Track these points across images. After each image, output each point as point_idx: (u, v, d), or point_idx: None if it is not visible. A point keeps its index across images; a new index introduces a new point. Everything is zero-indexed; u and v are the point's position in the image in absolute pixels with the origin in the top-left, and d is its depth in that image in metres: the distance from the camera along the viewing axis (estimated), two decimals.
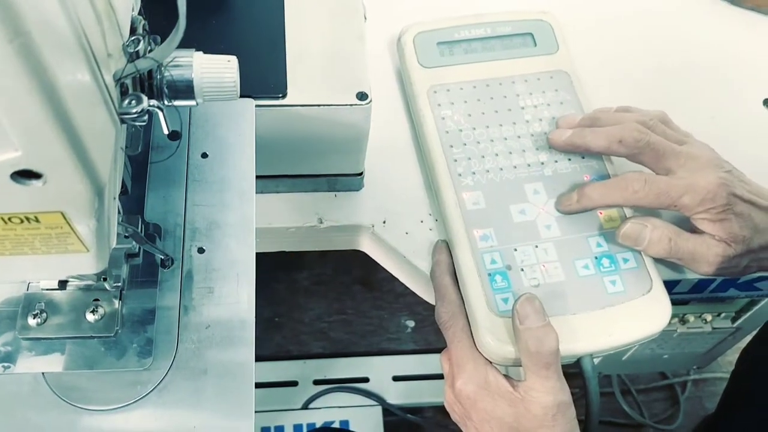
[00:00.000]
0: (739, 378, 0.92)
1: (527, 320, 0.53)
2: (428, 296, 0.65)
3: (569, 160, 0.63)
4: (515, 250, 0.59)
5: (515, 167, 0.62)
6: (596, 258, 0.59)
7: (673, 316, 0.75)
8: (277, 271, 1.39)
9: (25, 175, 0.30)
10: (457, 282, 0.59)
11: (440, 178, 0.62)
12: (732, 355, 0.97)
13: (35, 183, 0.30)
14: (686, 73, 0.76)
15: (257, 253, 0.50)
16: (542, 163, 0.63)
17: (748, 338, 0.89)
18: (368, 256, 0.68)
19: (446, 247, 0.61)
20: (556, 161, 0.63)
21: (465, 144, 0.63)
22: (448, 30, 0.68)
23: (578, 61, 0.69)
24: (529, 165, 0.63)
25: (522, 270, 0.58)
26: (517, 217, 0.60)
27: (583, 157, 0.63)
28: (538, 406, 0.52)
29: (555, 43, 0.69)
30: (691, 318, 0.79)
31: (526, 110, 0.65)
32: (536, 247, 0.59)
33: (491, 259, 0.58)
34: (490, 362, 0.56)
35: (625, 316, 0.56)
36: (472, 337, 0.56)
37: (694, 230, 0.58)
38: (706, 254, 0.57)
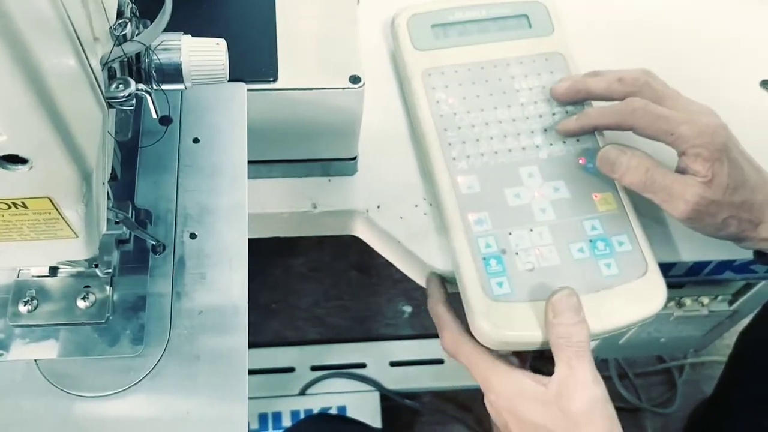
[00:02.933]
0: (737, 362, 0.93)
1: (561, 316, 0.53)
2: (422, 280, 0.64)
3: (564, 143, 0.63)
4: (510, 233, 0.58)
5: (510, 150, 0.62)
6: (591, 241, 0.58)
7: (670, 299, 0.75)
8: (273, 258, 1.39)
9: (10, 159, 0.30)
10: (451, 308, 0.59)
11: (435, 162, 0.62)
12: (729, 339, 0.97)
13: (21, 168, 0.30)
14: (683, 54, 0.75)
15: (252, 239, 0.50)
16: (537, 147, 0.62)
17: (745, 321, 0.89)
18: (365, 241, 0.68)
19: (437, 278, 0.61)
20: (551, 144, 0.62)
21: (459, 127, 0.63)
22: (443, 12, 0.68)
23: (574, 42, 0.68)
24: (523, 148, 0.62)
25: (517, 254, 0.58)
26: (512, 200, 0.60)
27: (578, 140, 0.63)
28: (569, 403, 0.52)
29: (550, 24, 0.68)
30: (688, 301, 0.79)
31: (521, 93, 0.65)
32: (531, 230, 0.59)
33: (486, 243, 0.58)
34: (514, 365, 0.56)
35: (621, 299, 0.56)
36: (477, 338, 0.56)
37: (678, 171, 0.57)
38: (683, 192, 0.55)
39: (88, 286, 0.44)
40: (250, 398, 0.45)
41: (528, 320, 0.55)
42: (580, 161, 0.62)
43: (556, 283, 0.56)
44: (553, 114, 0.64)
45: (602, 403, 0.52)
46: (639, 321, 0.57)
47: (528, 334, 0.55)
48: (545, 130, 0.63)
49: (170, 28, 0.38)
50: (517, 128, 0.63)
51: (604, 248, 0.58)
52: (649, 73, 0.59)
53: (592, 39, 0.74)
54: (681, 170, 0.57)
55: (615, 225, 0.59)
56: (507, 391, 0.55)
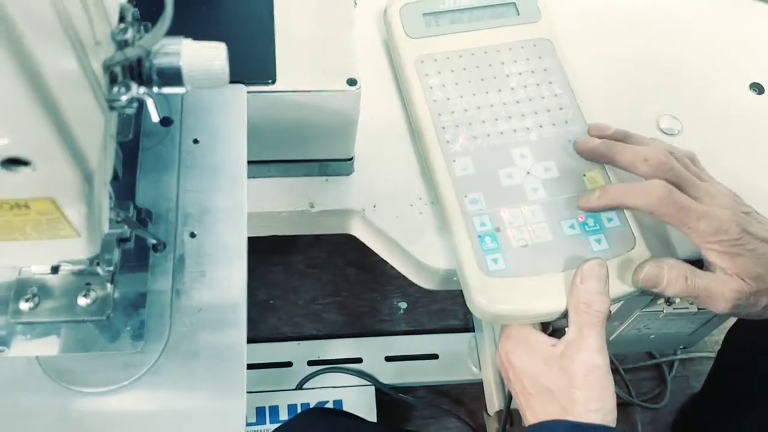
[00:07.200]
0: (725, 358, 0.94)
1: (587, 282, 0.55)
2: (417, 279, 0.65)
3: (553, 125, 0.65)
4: (503, 212, 0.60)
5: (502, 133, 0.64)
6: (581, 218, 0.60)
7: (660, 296, 0.76)
8: (272, 255, 1.39)
9: (13, 162, 0.30)
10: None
11: (430, 146, 0.63)
12: (718, 335, 0.98)
13: (24, 170, 0.30)
14: (673, 55, 0.76)
15: (251, 237, 0.50)
16: (527, 129, 0.65)
17: (734, 318, 0.89)
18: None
19: None
20: (541, 126, 0.65)
21: (453, 112, 0.65)
22: (434, 1, 0.69)
23: (562, 29, 0.70)
24: (515, 131, 0.64)
25: (510, 231, 0.60)
26: (504, 180, 0.62)
27: (567, 122, 0.65)
28: (569, 363, 0.54)
29: (537, 11, 0.70)
30: (677, 298, 0.79)
31: (511, 78, 0.67)
32: (524, 209, 0.61)
33: (481, 221, 0.60)
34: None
35: (611, 273, 0.58)
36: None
37: (705, 268, 0.58)
38: (721, 291, 0.56)
39: (89, 284, 0.44)
40: (248, 392, 0.45)
41: (522, 294, 0.57)
42: (568, 142, 0.64)
43: (549, 258, 0.58)
44: (542, 98, 0.66)
45: (601, 372, 0.54)
46: (629, 294, 0.59)
47: (522, 308, 0.57)
48: (535, 113, 0.65)
49: (170, 31, 0.38)
50: (508, 112, 0.65)
51: (594, 224, 0.60)
52: (671, 157, 0.59)
53: (579, 25, 0.75)
54: (707, 263, 0.58)
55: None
56: (516, 341, 0.57)
